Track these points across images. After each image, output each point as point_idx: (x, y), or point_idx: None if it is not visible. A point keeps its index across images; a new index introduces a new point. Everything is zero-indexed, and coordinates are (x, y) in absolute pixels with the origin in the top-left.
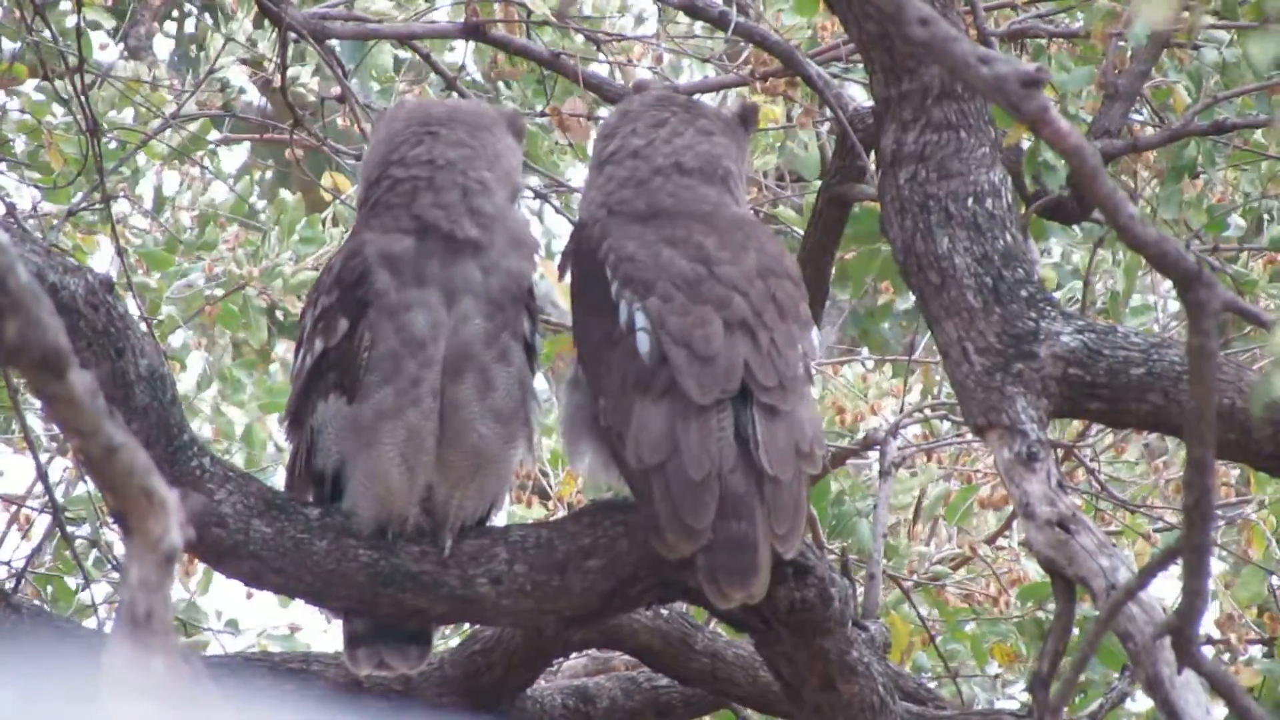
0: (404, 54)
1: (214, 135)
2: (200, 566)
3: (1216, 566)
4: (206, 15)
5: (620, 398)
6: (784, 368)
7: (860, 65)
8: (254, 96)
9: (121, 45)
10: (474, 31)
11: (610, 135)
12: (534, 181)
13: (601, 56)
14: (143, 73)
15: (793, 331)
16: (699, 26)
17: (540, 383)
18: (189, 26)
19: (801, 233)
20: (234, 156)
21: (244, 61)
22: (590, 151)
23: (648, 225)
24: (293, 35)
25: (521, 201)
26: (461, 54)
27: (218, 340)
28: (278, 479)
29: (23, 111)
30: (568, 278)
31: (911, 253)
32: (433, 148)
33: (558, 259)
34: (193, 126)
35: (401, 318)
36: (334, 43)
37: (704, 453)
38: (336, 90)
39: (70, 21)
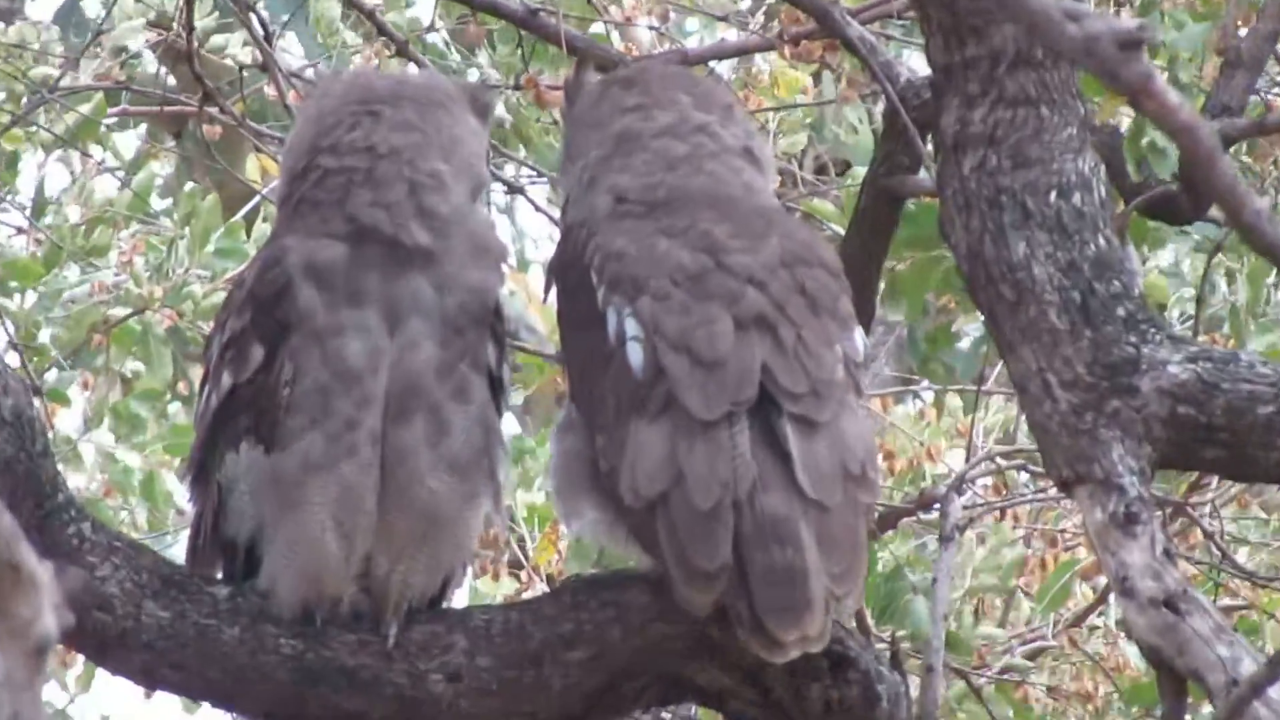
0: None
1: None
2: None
3: None
4: None
5: (615, 428)
6: (816, 369)
7: (916, 25)
8: (154, 67)
9: None
10: None
11: (645, 108)
12: (508, 171)
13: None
14: (29, 36)
15: (827, 328)
16: None
17: (513, 425)
18: None
19: (843, 234)
20: (129, 141)
21: (152, 25)
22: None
23: (645, 218)
24: None
25: (487, 198)
26: (428, 12)
27: (111, 367)
28: (180, 549)
29: None
30: (553, 296)
31: (979, 261)
32: (373, 131)
33: (538, 272)
34: (84, 108)
35: (332, 344)
36: None
37: (712, 477)
38: (258, 56)
39: None
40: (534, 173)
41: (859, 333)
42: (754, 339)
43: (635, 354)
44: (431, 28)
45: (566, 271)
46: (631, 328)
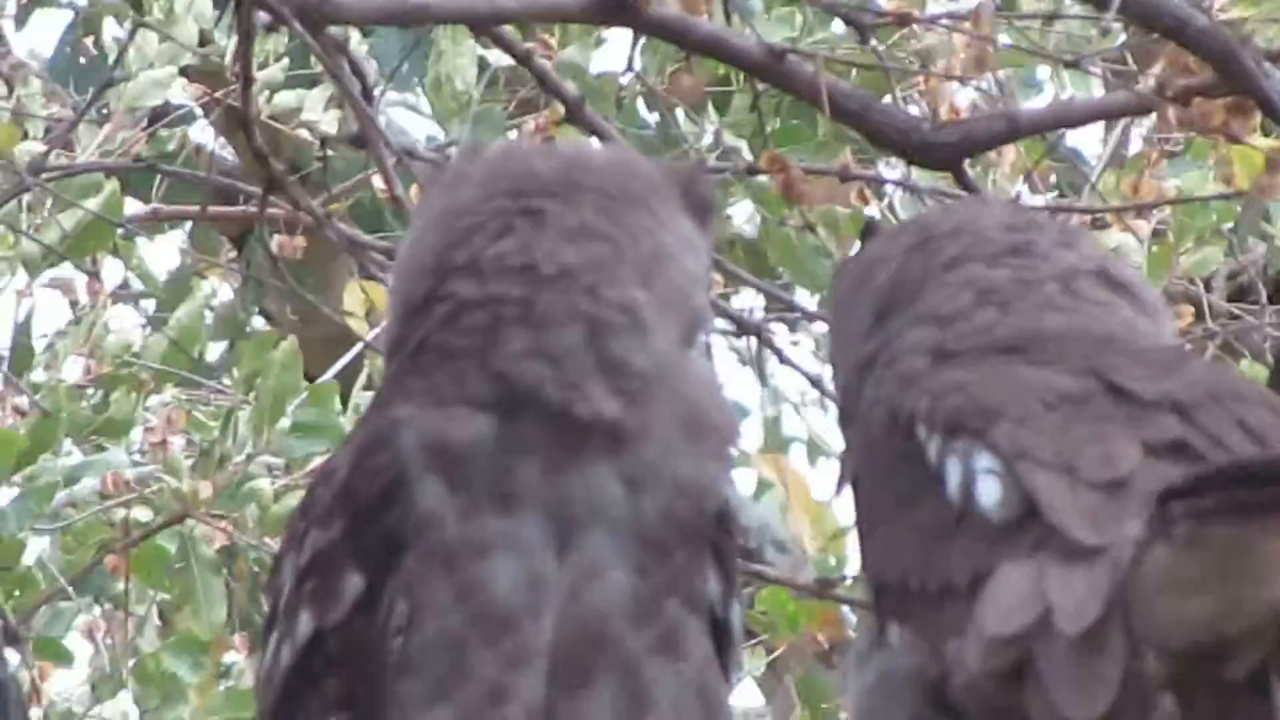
0: (493, 56)
1: (130, 209)
2: None
3: None
4: None
5: (963, 613)
6: None
7: None
8: (205, 136)
9: None
10: (618, 8)
11: (958, 231)
12: (747, 300)
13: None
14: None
15: None
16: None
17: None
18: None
19: None
20: (163, 254)
21: (188, 73)
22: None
23: (990, 358)
24: (263, 17)
25: (708, 343)
26: (626, 53)
27: (133, 604)
28: None
29: None
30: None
31: None
32: (533, 241)
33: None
34: (90, 202)
35: (469, 571)
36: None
37: (1089, 602)
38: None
39: None
40: (788, 307)
41: None
42: (1171, 469)
43: (989, 490)
44: (629, 68)
45: (876, 452)
46: (984, 461)
